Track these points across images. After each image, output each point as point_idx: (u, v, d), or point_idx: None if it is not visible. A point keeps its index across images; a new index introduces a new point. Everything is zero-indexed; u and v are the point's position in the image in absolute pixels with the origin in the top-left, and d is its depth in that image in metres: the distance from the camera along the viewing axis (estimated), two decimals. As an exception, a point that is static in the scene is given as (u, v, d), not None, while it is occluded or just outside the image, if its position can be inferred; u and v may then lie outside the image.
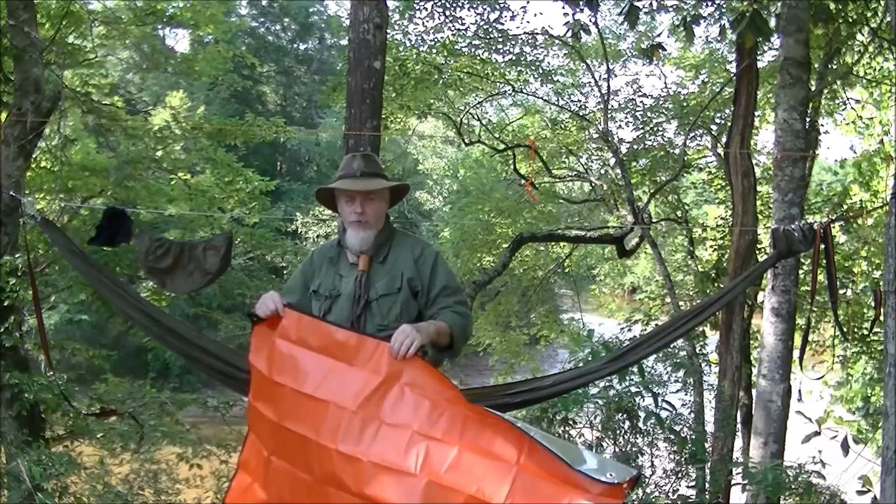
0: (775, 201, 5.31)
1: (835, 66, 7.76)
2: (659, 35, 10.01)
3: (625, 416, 4.76)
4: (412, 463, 2.13)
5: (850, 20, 6.80)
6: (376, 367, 2.26)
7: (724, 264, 7.85)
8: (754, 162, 7.76)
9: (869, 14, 6.82)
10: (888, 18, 6.16)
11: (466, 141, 11.12)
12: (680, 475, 4.87)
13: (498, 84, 10.75)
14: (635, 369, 4.49)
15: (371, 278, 2.54)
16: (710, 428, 6.78)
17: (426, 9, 9.09)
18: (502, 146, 10.84)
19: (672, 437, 4.84)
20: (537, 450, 2.06)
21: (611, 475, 1.99)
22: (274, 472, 2.38)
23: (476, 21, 9.28)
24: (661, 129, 10.13)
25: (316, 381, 2.31)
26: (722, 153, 7.99)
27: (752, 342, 8.24)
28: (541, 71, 10.14)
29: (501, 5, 9.16)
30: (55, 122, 7.16)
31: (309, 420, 2.29)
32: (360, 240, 2.57)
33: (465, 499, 2.07)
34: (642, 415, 4.67)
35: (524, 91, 11.06)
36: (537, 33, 9.58)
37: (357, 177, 2.56)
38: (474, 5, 9.16)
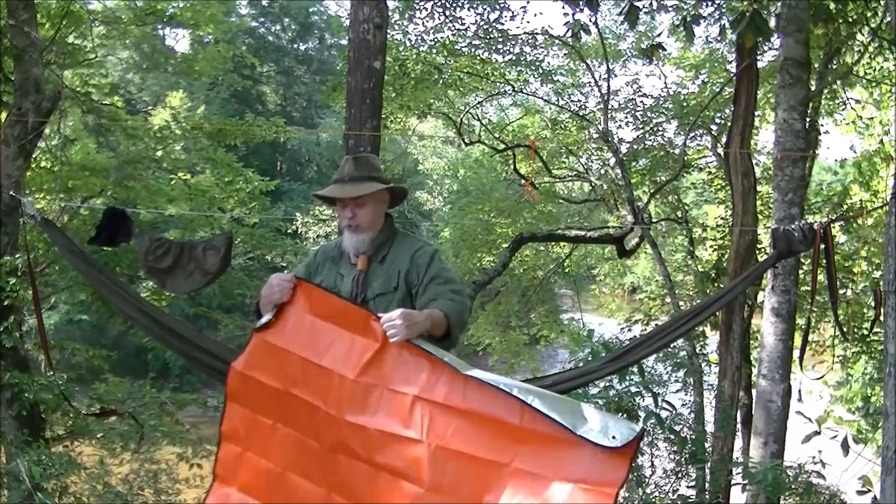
0: (775, 201, 5.31)
1: (835, 66, 7.76)
2: (659, 35, 9.98)
3: (625, 416, 4.75)
4: (417, 429, 2.16)
5: (850, 20, 6.81)
6: (375, 335, 2.30)
7: (724, 264, 7.85)
8: (754, 162, 7.76)
9: (869, 14, 6.82)
10: (888, 18, 6.15)
11: (466, 141, 11.12)
12: (680, 475, 4.88)
13: (498, 84, 10.74)
14: (635, 369, 4.49)
15: (369, 278, 2.56)
16: (710, 428, 6.79)
17: (426, 9, 9.09)
18: (502, 146, 10.83)
19: (672, 437, 4.85)
20: (536, 414, 2.07)
21: (613, 437, 1.98)
22: (281, 439, 2.39)
23: (476, 21, 9.29)
24: (661, 129, 10.13)
25: (322, 349, 2.35)
26: (722, 153, 7.99)
27: (752, 342, 8.23)
28: (541, 71, 10.13)
29: (501, 5, 9.16)
30: (55, 122, 7.16)
31: (316, 388, 2.32)
32: (353, 243, 2.59)
33: (473, 462, 2.09)
34: (642, 415, 4.67)
35: (524, 91, 11.07)
36: (537, 33, 9.58)
37: (345, 182, 2.57)
38: (474, 5, 9.16)
